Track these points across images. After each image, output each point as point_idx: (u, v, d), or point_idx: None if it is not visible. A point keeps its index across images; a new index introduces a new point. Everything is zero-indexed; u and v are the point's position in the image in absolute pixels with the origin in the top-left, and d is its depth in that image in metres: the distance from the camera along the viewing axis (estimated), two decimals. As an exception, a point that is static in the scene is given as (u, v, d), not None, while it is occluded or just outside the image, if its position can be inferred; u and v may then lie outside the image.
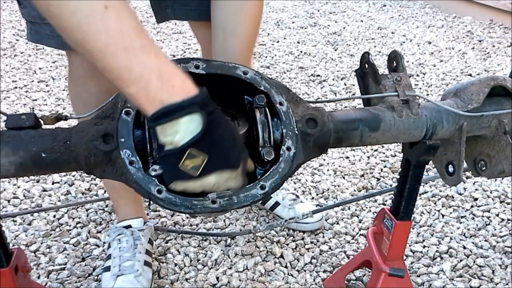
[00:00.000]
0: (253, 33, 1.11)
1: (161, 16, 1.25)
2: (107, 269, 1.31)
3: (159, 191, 0.74)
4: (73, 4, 0.61)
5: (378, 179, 1.87)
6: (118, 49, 0.63)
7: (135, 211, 1.40)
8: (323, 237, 1.55)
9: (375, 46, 3.30)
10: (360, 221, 1.64)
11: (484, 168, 0.99)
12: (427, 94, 2.59)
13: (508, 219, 1.63)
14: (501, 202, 1.73)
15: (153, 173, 0.72)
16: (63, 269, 1.41)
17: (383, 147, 2.07)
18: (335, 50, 3.23)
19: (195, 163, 0.66)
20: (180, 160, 0.65)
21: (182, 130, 0.64)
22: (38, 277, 1.38)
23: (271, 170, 0.79)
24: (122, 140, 0.75)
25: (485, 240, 1.54)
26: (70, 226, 1.59)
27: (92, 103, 1.17)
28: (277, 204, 1.59)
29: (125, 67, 0.63)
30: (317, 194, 1.78)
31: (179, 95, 0.64)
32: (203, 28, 1.27)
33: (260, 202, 1.62)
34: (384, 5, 4.24)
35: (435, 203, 1.72)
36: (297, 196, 1.62)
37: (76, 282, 1.36)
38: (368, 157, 2.01)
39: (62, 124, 0.84)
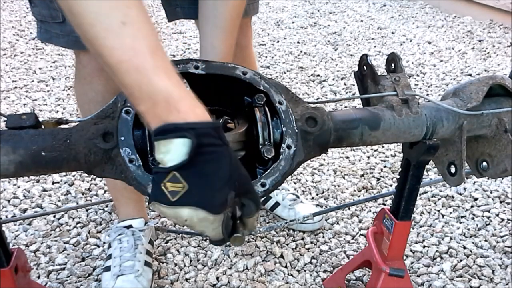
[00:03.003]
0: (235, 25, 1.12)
1: (172, 15, 1.27)
2: (108, 269, 1.31)
3: None
4: (92, 16, 0.61)
5: (378, 179, 1.87)
6: (130, 68, 0.62)
7: (137, 211, 1.40)
8: (323, 237, 1.55)
9: (375, 46, 3.30)
10: (360, 221, 1.64)
11: (486, 169, 0.99)
12: (427, 94, 2.59)
13: (508, 219, 1.63)
14: (501, 202, 1.73)
15: None
16: (63, 269, 1.41)
17: (383, 147, 2.07)
18: (335, 50, 3.23)
19: (175, 188, 0.63)
20: (163, 179, 0.63)
21: (173, 151, 0.62)
22: (38, 277, 1.38)
23: (271, 167, 0.79)
24: (122, 138, 0.75)
25: (485, 240, 1.54)
26: (70, 226, 1.59)
27: (98, 102, 1.17)
28: (277, 204, 1.59)
29: (136, 86, 0.63)
30: (317, 194, 1.78)
31: (183, 119, 0.63)
32: None
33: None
34: (384, 5, 4.24)
35: (435, 203, 1.72)
36: (297, 197, 1.62)
37: (76, 282, 1.36)
38: (368, 157, 2.01)
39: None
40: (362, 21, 3.84)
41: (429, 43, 3.32)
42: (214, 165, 0.63)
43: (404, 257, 1.42)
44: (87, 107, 1.23)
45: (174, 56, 3.08)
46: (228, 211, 0.66)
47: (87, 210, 1.66)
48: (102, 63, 0.64)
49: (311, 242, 1.53)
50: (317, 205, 1.69)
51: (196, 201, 0.63)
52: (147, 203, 1.51)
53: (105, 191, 1.76)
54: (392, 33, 3.56)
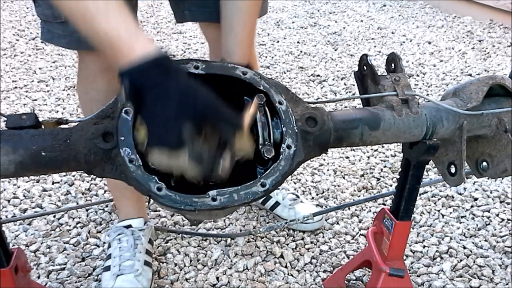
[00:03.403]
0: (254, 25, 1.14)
1: (179, 17, 1.28)
2: (107, 268, 1.31)
3: (159, 188, 0.74)
4: None
5: (378, 179, 1.87)
6: (79, 17, 0.65)
7: (137, 211, 1.40)
8: (323, 237, 1.55)
9: (375, 46, 3.30)
10: (360, 221, 1.64)
11: (486, 169, 0.99)
12: (427, 94, 2.59)
13: (508, 219, 1.63)
14: (501, 202, 1.73)
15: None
16: (63, 269, 1.41)
17: (383, 147, 2.07)
18: (335, 50, 3.23)
19: (143, 132, 0.64)
20: (134, 126, 0.64)
21: (125, 98, 0.65)
22: (38, 277, 1.38)
23: (271, 167, 0.79)
24: (122, 138, 0.75)
25: (485, 240, 1.54)
26: (70, 226, 1.59)
27: (100, 101, 1.17)
28: (277, 204, 1.59)
29: (88, 34, 0.66)
30: (317, 194, 1.78)
31: (126, 61, 0.63)
32: (212, 28, 1.28)
33: (260, 202, 1.62)
34: (384, 5, 4.24)
35: (435, 203, 1.72)
36: (297, 196, 1.62)
37: (76, 282, 1.36)
38: (368, 157, 2.01)
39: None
40: (362, 21, 3.84)
41: (429, 43, 3.32)
42: (160, 102, 0.61)
43: (404, 257, 1.42)
44: (89, 106, 1.23)
45: (174, 56, 3.08)
46: (196, 142, 0.62)
47: (87, 210, 1.66)
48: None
49: (311, 242, 1.53)
50: (317, 205, 1.69)
51: (156, 141, 0.62)
52: (147, 203, 1.51)
53: (105, 191, 1.76)
54: (392, 33, 3.56)
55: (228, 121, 0.65)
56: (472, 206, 1.71)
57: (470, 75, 2.81)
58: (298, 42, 3.37)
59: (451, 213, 1.67)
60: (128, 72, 0.62)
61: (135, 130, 0.63)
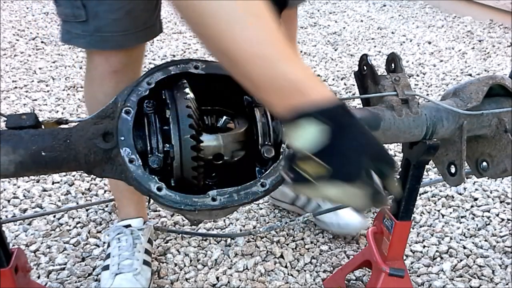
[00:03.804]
0: None
1: None
2: (106, 268, 1.31)
3: (159, 188, 0.74)
4: (213, 6, 0.62)
5: (378, 179, 1.87)
6: (254, 61, 0.65)
7: (137, 212, 1.40)
8: (323, 237, 1.55)
9: (375, 46, 3.29)
10: (360, 221, 1.64)
11: (486, 169, 0.99)
12: (427, 94, 2.59)
13: (508, 219, 1.63)
14: (501, 202, 1.73)
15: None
16: (63, 269, 1.41)
17: (383, 147, 2.07)
18: (335, 50, 3.23)
19: (316, 169, 0.65)
20: (302, 163, 0.65)
21: (309, 137, 0.65)
22: (38, 277, 1.38)
23: (271, 167, 0.79)
24: (122, 138, 0.75)
25: (485, 240, 1.54)
26: (70, 226, 1.59)
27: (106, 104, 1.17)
28: (319, 207, 1.55)
29: (264, 76, 0.65)
30: (317, 194, 1.77)
31: (315, 104, 0.65)
32: None
33: (298, 205, 1.59)
34: (384, 5, 4.24)
35: (435, 203, 1.72)
36: None
37: (76, 282, 1.36)
38: (368, 157, 2.01)
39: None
40: (362, 21, 3.84)
41: (429, 43, 3.32)
42: (348, 140, 0.66)
43: (404, 257, 1.42)
44: (95, 108, 1.22)
45: (174, 56, 3.08)
46: (369, 178, 0.67)
47: (87, 210, 1.66)
48: (222, 56, 0.66)
49: (311, 242, 1.53)
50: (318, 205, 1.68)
51: (337, 175, 0.65)
52: (147, 203, 1.51)
53: (105, 191, 1.76)
54: (392, 33, 3.56)
55: (389, 161, 0.71)
56: (472, 206, 1.71)
57: (470, 75, 2.81)
58: (298, 42, 3.36)
59: (451, 213, 1.67)
60: (325, 112, 0.65)
61: (295, 166, 0.66)
